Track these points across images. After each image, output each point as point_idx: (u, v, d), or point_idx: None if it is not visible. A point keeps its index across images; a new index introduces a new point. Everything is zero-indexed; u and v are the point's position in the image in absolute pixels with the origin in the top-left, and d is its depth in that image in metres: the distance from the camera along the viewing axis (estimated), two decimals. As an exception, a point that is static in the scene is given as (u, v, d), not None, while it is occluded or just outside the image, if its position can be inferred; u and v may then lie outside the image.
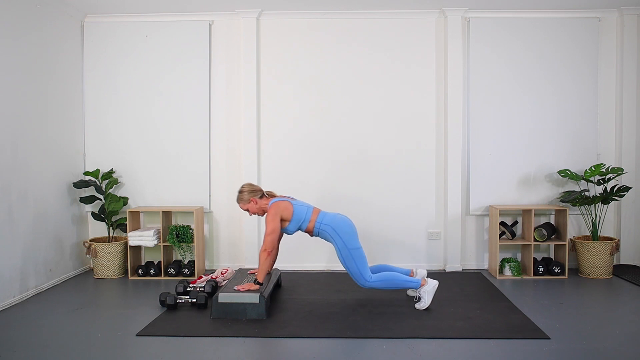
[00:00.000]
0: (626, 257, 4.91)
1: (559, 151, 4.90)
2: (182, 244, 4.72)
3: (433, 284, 3.71)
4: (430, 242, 4.98)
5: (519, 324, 3.36)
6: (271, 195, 3.87)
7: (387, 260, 4.93)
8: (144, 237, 4.67)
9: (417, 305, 3.68)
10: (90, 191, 4.96)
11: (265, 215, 3.76)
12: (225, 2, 4.68)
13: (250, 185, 3.86)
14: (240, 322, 3.41)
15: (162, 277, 4.71)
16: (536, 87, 4.89)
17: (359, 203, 4.92)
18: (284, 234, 3.94)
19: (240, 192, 3.83)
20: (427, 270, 4.84)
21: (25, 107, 4.13)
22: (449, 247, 4.91)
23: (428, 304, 3.66)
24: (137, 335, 3.22)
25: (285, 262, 4.88)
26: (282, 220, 3.69)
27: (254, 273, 4.03)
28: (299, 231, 3.79)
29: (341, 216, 3.78)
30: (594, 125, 4.89)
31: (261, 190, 3.85)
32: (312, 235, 3.80)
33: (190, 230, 4.79)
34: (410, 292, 3.95)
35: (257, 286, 3.63)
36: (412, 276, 3.86)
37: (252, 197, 3.79)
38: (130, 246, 4.71)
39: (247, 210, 3.84)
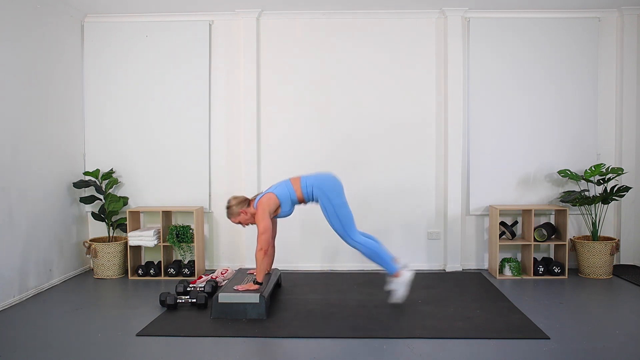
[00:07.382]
0: (626, 257, 4.91)
1: (559, 151, 4.90)
2: (182, 244, 4.72)
3: (407, 276, 3.73)
4: (430, 242, 4.98)
5: (518, 324, 3.36)
6: (254, 198, 3.87)
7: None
8: (144, 237, 4.67)
9: (393, 299, 3.72)
10: (90, 191, 4.96)
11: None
12: (225, 2, 4.68)
13: (235, 197, 3.84)
14: (240, 322, 3.41)
15: (162, 277, 4.71)
16: (536, 87, 4.89)
17: (359, 202, 4.91)
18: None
19: (229, 207, 3.80)
20: (426, 270, 4.86)
21: (25, 107, 4.13)
22: (449, 247, 4.90)
23: (403, 296, 3.70)
24: (137, 335, 3.22)
25: (285, 262, 4.88)
26: (275, 210, 3.72)
27: (254, 273, 4.03)
28: (296, 206, 3.83)
29: (325, 174, 3.82)
30: (594, 125, 4.89)
31: (247, 199, 3.84)
32: (306, 203, 3.81)
33: (190, 230, 4.79)
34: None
35: (256, 286, 3.63)
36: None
37: (241, 208, 3.77)
38: (130, 246, 4.71)
39: (240, 223, 3.82)
